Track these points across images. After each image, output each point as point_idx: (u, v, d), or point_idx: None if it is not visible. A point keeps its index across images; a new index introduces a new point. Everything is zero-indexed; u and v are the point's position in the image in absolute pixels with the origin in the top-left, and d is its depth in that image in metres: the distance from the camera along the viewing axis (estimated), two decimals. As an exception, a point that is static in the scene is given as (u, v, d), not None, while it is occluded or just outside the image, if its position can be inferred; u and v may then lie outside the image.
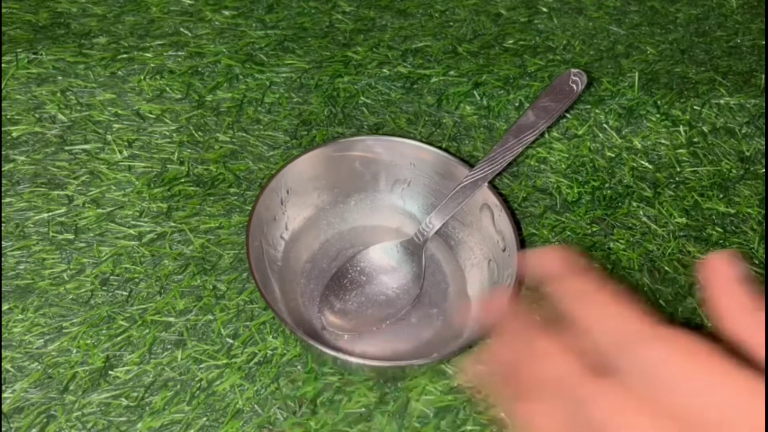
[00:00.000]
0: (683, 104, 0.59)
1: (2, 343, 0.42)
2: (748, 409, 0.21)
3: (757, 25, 0.65)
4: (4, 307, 0.43)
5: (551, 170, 0.54)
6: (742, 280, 0.26)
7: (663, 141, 0.57)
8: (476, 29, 0.63)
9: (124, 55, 0.56)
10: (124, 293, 0.45)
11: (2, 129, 0.51)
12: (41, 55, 0.54)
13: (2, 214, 0.47)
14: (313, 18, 0.61)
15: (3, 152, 0.50)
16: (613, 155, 0.56)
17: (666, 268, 0.50)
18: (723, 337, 0.25)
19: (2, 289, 0.44)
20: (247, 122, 0.54)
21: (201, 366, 0.43)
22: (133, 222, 0.48)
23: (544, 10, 0.65)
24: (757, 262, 0.51)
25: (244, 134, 0.53)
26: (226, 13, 0.60)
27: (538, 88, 0.59)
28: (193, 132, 0.53)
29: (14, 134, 0.50)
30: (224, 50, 0.57)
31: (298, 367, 0.43)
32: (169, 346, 0.43)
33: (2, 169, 0.49)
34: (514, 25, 0.63)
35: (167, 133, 0.52)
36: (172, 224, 0.48)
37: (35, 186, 0.48)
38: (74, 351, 0.43)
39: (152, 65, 0.55)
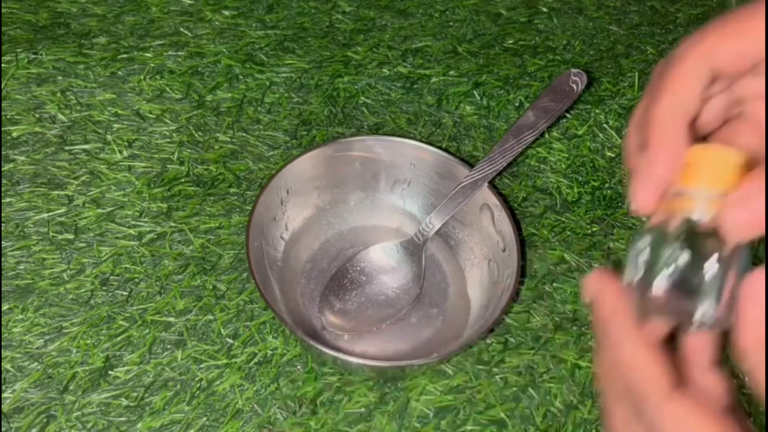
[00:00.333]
0: (683, 104, 0.59)
1: (2, 343, 0.42)
2: None
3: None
4: (4, 307, 0.43)
5: (551, 170, 0.54)
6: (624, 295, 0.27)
7: (663, 141, 0.57)
8: (476, 29, 0.63)
9: (124, 55, 0.56)
10: (124, 293, 0.45)
11: (2, 129, 0.51)
12: (41, 55, 0.54)
13: (2, 214, 0.47)
14: (313, 18, 0.61)
15: (3, 152, 0.50)
16: (613, 155, 0.56)
17: (666, 268, 0.50)
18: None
19: (2, 289, 0.44)
20: (247, 122, 0.54)
21: (201, 366, 0.43)
22: (133, 222, 0.48)
23: (544, 10, 0.65)
24: (756, 262, 0.51)
25: (244, 134, 0.53)
26: (226, 13, 0.60)
27: (538, 88, 0.59)
28: (193, 132, 0.53)
29: (14, 134, 0.50)
30: (224, 50, 0.57)
31: (298, 367, 0.43)
32: (169, 346, 0.43)
33: (2, 169, 0.49)
34: (514, 25, 0.63)
35: (167, 133, 0.52)
36: (172, 224, 0.48)
37: (35, 186, 0.48)
38: (74, 351, 0.42)
39: (152, 65, 0.55)
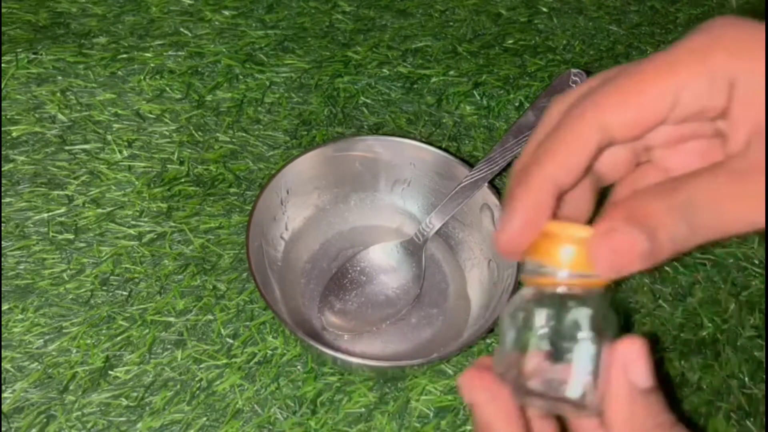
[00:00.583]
0: (683, 104, 0.59)
1: (2, 343, 0.42)
2: None
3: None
4: (4, 307, 0.43)
5: (551, 170, 0.54)
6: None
7: (663, 141, 0.57)
8: (476, 29, 0.63)
9: (124, 55, 0.56)
10: (124, 293, 0.45)
11: (2, 129, 0.51)
12: (41, 55, 0.54)
13: (2, 214, 0.47)
14: (313, 18, 0.61)
15: (3, 152, 0.50)
16: (613, 155, 0.56)
17: (666, 267, 0.50)
18: None
19: (2, 289, 0.44)
20: (247, 122, 0.54)
21: (201, 366, 0.43)
22: (133, 222, 0.48)
23: (544, 9, 0.65)
24: (757, 262, 0.51)
25: (244, 134, 0.53)
26: (226, 13, 0.60)
27: (538, 88, 0.59)
28: (193, 132, 0.53)
29: (14, 134, 0.50)
30: (224, 50, 0.57)
31: (298, 367, 0.43)
32: (169, 346, 0.43)
33: (2, 169, 0.49)
34: (514, 25, 0.63)
35: (167, 133, 0.52)
36: (172, 224, 0.48)
37: (35, 186, 0.48)
38: (74, 351, 0.42)
39: (152, 65, 0.55)
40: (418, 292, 0.45)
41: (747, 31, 0.24)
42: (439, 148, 0.46)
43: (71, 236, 0.47)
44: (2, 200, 0.48)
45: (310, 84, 0.57)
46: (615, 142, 0.26)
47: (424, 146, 0.46)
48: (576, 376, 0.25)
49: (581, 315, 0.25)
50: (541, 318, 0.26)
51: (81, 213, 0.48)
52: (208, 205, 0.49)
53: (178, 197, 0.49)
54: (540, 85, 0.59)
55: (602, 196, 0.30)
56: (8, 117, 0.51)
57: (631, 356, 0.25)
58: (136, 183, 0.49)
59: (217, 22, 0.59)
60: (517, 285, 0.41)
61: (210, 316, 0.45)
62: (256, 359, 0.43)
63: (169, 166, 0.51)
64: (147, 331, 0.44)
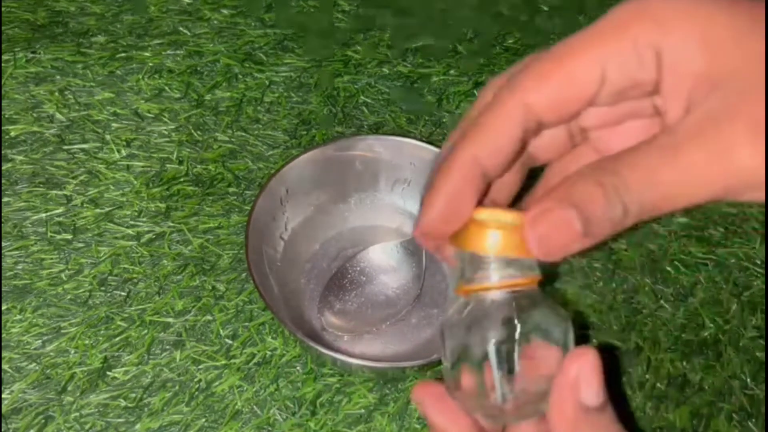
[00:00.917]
0: (684, 103, 0.59)
1: (0, 344, 0.42)
2: None
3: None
4: (3, 308, 0.43)
5: (552, 170, 0.54)
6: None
7: (664, 140, 0.57)
8: (477, 28, 0.62)
9: (123, 54, 0.55)
10: (123, 293, 0.45)
11: (0, 128, 0.50)
12: (39, 54, 0.54)
13: (0, 214, 0.47)
14: (312, 17, 0.61)
15: (1, 152, 0.49)
16: (614, 155, 0.55)
17: (668, 268, 0.50)
18: None
19: (0, 289, 0.44)
20: (247, 122, 0.54)
21: (200, 367, 0.43)
22: (132, 222, 0.48)
23: (545, 9, 0.64)
24: (758, 262, 0.51)
25: (244, 134, 0.53)
26: (225, 12, 0.60)
27: (538, 88, 0.58)
28: (192, 131, 0.52)
29: (12, 134, 0.50)
30: (223, 49, 0.57)
31: (298, 368, 0.43)
32: (167, 347, 0.43)
33: (0, 168, 0.49)
34: (515, 24, 0.63)
35: (166, 133, 0.52)
36: (171, 224, 0.48)
37: (33, 186, 0.48)
38: (72, 351, 0.42)
39: (151, 64, 0.55)
40: (418, 292, 0.45)
41: (673, 1, 0.22)
42: (440, 147, 0.46)
43: (69, 236, 0.46)
44: (0, 200, 0.47)
45: (310, 83, 0.56)
46: (545, 125, 0.24)
47: (424, 146, 0.46)
48: (498, 382, 0.24)
49: (517, 316, 0.24)
50: (477, 332, 0.25)
51: (79, 213, 0.47)
52: (207, 204, 0.49)
53: (176, 197, 0.49)
54: (541, 84, 0.59)
55: (532, 178, 0.29)
56: (6, 116, 0.51)
57: (582, 372, 0.23)
58: (135, 183, 0.49)
59: (216, 21, 0.59)
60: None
61: (209, 317, 0.44)
62: (255, 360, 0.43)
63: (167, 165, 0.50)
64: (146, 331, 0.43)
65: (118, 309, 0.44)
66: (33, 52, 0.54)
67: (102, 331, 0.43)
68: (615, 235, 0.23)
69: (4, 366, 0.41)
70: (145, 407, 0.41)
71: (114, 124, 0.52)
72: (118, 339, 0.43)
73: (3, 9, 0.57)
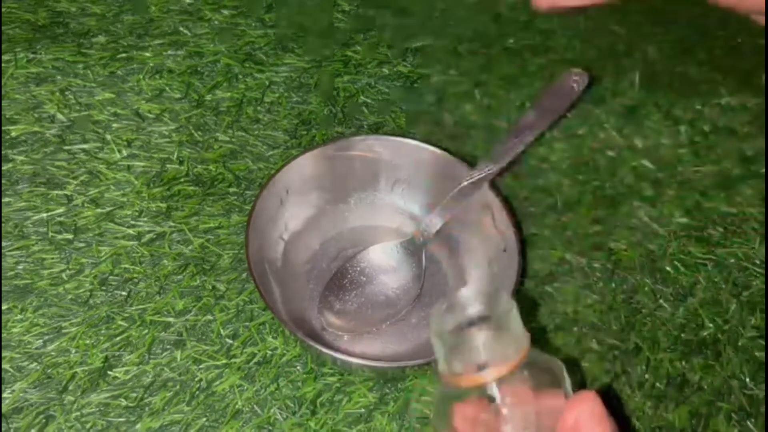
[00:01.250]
0: (684, 103, 0.59)
1: (1, 343, 0.42)
2: None
3: (758, 25, 0.64)
4: (3, 307, 0.43)
5: (552, 170, 0.54)
6: None
7: (664, 140, 0.57)
8: (476, 28, 0.62)
9: (123, 55, 0.55)
10: (123, 293, 0.45)
11: (1, 128, 0.50)
12: (40, 54, 0.54)
13: (1, 214, 0.47)
14: (312, 17, 0.61)
15: (2, 152, 0.49)
16: (614, 155, 0.55)
17: (667, 268, 0.50)
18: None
19: (1, 289, 0.44)
20: (247, 122, 0.54)
21: (200, 366, 0.43)
22: (132, 222, 0.48)
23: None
24: (758, 262, 0.51)
25: (244, 134, 0.53)
26: (226, 12, 0.60)
27: (538, 88, 0.58)
28: (193, 131, 0.52)
29: (13, 134, 0.50)
30: (223, 49, 0.57)
31: (298, 367, 0.43)
32: (168, 347, 0.43)
33: (1, 168, 0.49)
34: (515, 25, 0.63)
35: (166, 133, 0.52)
36: (172, 224, 0.48)
37: (34, 186, 0.48)
38: (73, 351, 0.42)
39: (151, 64, 0.55)
40: (418, 292, 0.45)
41: None
42: (440, 147, 0.46)
43: (70, 236, 0.47)
44: (1, 200, 0.47)
45: (310, 83, 0.57)
46: None
47: (424, 146, 0.46)
48: None
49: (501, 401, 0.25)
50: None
51: (80, 213, 0.48)
52: (208, 204, 0.49)
53: (177, 197, 0.49)
54: (541, 84, 0.59)
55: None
56: (7, 117, 0.51)
57: (581, 418, 0.23)
58: (136, 183, 0.49)
59: (216, 22, 0.59)
60: (519, 286, 0.41)
61: (209, 317, 0.44)
62: (255, 360, 0.43)
63: (168, 165, 0.50)
64: (146, 331, 0.44)
65: (118, 309, 0.44)
66: (34, 53, 0.54)
67: (103, 331, 0.43)
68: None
69: (5, 365, 0.42)
70: (145, 407, 0.41)
71: (115, 125, 0.52)
72: (118, 338, 0.43)
73: (4, 9, 0.57)
